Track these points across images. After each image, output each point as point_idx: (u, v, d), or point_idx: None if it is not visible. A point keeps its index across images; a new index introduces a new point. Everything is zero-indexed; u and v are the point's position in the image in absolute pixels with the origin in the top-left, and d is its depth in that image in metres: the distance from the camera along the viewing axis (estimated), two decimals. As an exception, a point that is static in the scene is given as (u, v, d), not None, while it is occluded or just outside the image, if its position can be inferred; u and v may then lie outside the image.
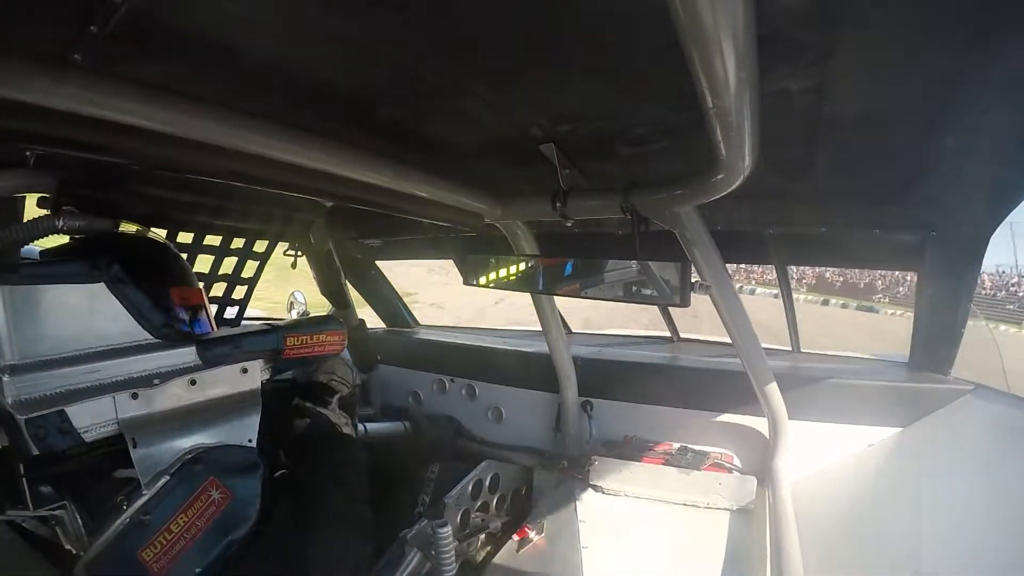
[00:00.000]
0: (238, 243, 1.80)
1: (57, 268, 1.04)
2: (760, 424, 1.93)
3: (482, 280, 1.62)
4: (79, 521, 0.99)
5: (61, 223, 1.10)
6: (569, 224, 1.46)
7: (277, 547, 1.20)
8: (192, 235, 1.61)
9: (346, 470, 1.42)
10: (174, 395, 1.10)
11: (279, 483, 1.33)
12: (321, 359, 1.50)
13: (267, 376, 1.30)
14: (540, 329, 2.12)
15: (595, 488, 2.01)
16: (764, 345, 1.75)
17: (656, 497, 1.94)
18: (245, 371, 1.22)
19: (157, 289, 1.16)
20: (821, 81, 0.83)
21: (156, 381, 1.08)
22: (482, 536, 1.98)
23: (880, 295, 37.49)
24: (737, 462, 1.98)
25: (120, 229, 1.24)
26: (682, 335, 2.68)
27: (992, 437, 1.60)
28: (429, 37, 0.75)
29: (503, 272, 1.61)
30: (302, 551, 1.21)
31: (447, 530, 1.52)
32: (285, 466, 1.38)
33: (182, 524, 1.03)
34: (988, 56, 0.73)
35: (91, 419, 1.00)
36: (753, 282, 36.33)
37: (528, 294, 1.81)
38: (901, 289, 36.40)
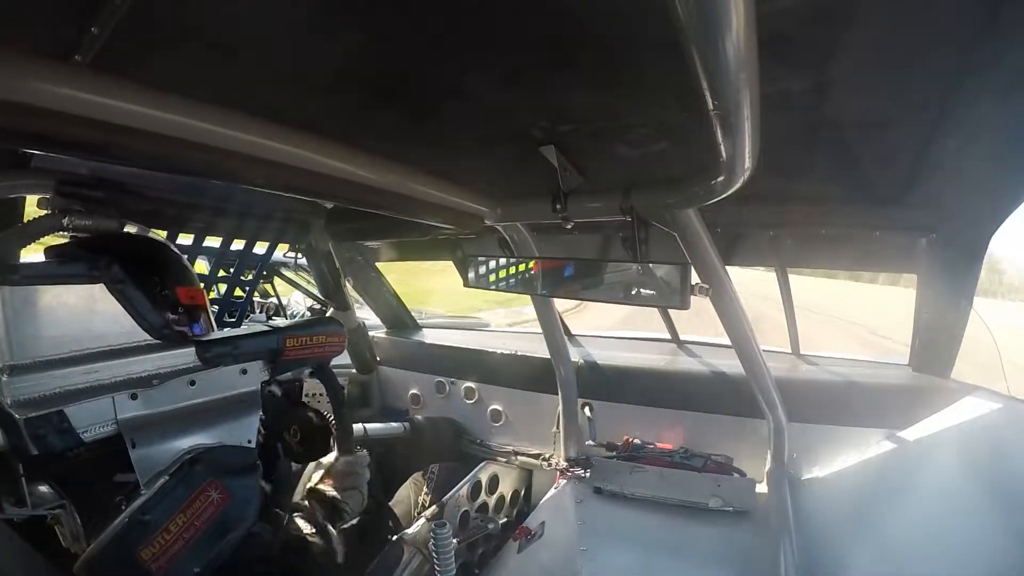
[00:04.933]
0: (238, 244, 1.81)
1: (56, 268, 1.04)
2: (760, 426, 1.93)
3: (482, 283, 1.62)
4: (78, 521, 0.99)
5: (67, 221, 1.10)
6: (569, 226, 1.46)
7: None
8: (192, 236, 1.62)
9: None
10: (173, 396, 1.10)
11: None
12: (350, 483, 1.42)
13: (266, 377, 1.29)
14: (540, 331, 2.12)
15: (594, 490, 2.01)
16: (764, 347, 1.75)
17: (655, 499, 1.93)
18: (245, 372, 1.22)
19: (157, 290, 1.16)
20: (822, 82, 0.83)
21: (155, 382, 1.08)
22: (481, 537, 1.98)
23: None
24: (737, 464, 1.97)
25: (123, 230, 1.24)
26: (682, 337, 2.68)
27: (992, 439, 1.60)
28: (429, 37, 0.75)
29: (503, 274, 1.61)
30: None
31: (446, 531, 1.52)
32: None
33: (181, 524, 1.02)
34: (989, 57, 0.73)
35: (90, 419, 0.99)
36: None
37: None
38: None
